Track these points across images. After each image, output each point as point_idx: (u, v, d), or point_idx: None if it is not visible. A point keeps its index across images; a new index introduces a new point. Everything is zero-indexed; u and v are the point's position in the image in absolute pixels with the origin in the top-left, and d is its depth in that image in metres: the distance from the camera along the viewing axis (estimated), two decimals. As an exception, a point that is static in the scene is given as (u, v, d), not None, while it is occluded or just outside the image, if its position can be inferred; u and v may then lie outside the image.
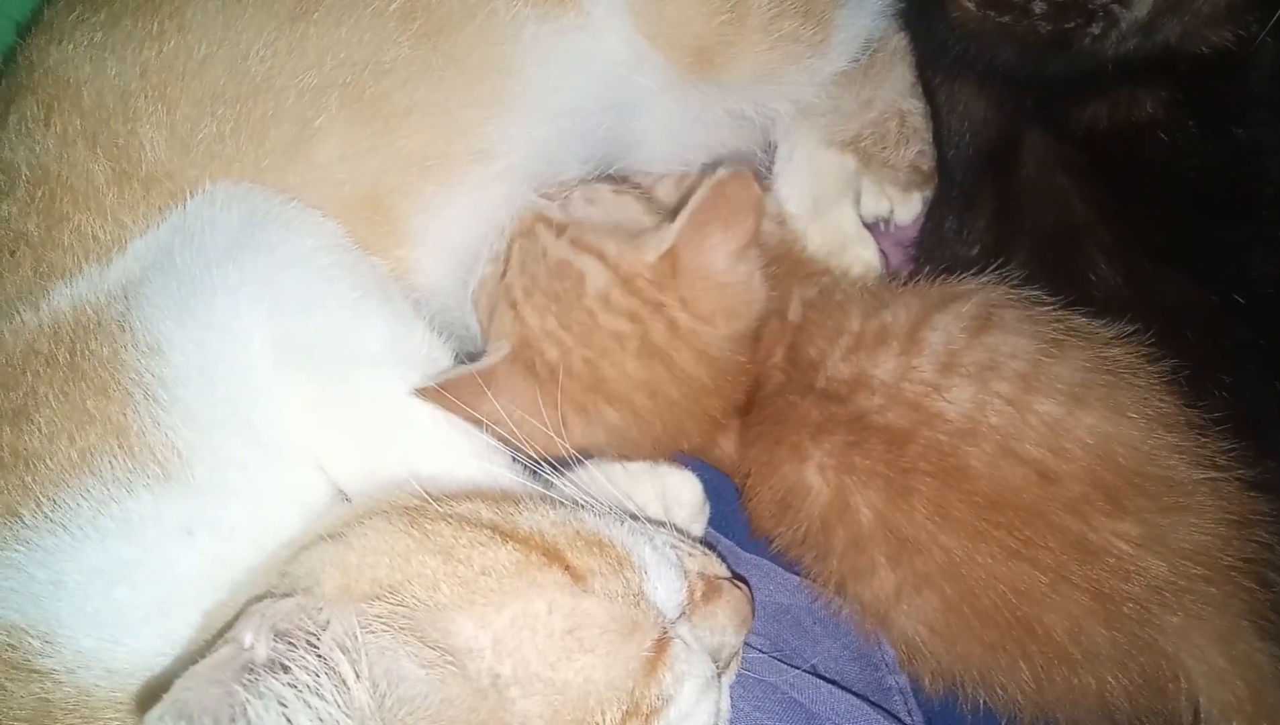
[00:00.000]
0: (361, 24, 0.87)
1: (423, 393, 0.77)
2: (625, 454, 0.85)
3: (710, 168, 0.86)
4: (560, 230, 0.88)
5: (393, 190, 0.89)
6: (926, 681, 0.81)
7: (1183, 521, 0.75)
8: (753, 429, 0.87)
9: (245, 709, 0.50)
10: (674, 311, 0.84)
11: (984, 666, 0.77)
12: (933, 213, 1.08)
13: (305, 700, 0.52)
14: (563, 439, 0.81)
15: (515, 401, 0.80)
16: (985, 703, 0.80)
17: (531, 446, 0.80)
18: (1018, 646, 0.76)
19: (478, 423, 0.79)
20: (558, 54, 0.95)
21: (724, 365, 0.86)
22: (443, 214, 0.91)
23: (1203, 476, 0.77)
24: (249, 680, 0.52)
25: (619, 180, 0.99)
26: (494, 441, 0.80)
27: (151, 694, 0.53)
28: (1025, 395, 0.78)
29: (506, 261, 0.90)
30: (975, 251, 1.00)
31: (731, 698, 0.73)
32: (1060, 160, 0.96)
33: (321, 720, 0.52)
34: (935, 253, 1.03)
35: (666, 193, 1.03)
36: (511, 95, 0.93)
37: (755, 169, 1.06)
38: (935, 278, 0.92)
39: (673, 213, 0.88)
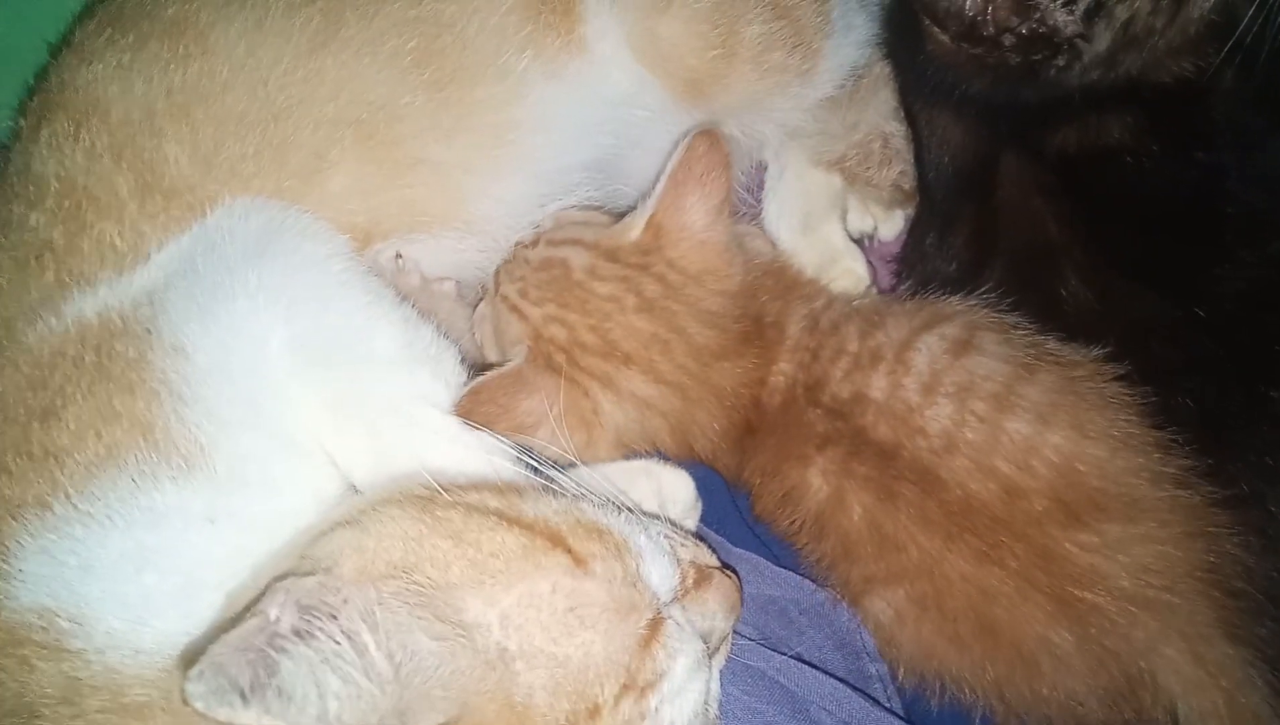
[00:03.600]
0: (378, 62, 0.92)
1: (460, 403, 0.80)
2: (657, 445, 0.89)
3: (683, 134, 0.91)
4: (534, 243, 0.94)
5: (389, 232, 0.94)
6: (900, 673, 0.85)
7: (1143, 536, 0.79)
8: (761, 441, 0.91)
9: (278, 669, 0.54)
10: (661, 270, 0.88)
11: (950, 664, 0.82)
12: (914, 230, 1.13)
13: (331, 665, 0.56)
14: (598, 430, 0.84)
15: (547, 397, 0.84)
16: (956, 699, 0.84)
17: (570, 447, 0.83)
18: (982, 647, 0.80)
19: (516, 430, 0.81)
20: (559, 116, 1.00)
21: (724, 326, 0.89)
22: (423, 259, 0.97)
23: (1164, 494, 0.81)
24: (279, 646, 0.56)
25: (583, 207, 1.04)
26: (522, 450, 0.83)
27: (189, 658, 0.57)
28: (998, 414, 0.82)
29: (495, 284, 0.94)
30: (954, 267, 1.05)
31: (721, 682, 0.77)
32: (1034, 182, 1.01)
33: (346, 683, 0.57)
34: (916, 268, 1.08)
35: None
36: (510, 164, 0.99)
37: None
38: (919, 293, 0.98)
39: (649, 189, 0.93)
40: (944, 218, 1.08)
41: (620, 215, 0.99)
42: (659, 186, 0.89)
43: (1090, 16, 0.92)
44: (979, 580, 0.80)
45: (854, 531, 0.84)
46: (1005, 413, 0.83)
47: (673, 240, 0.88)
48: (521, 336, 0.89)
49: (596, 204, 1.04)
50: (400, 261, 0.96)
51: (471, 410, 0.81)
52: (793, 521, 0.88)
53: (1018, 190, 1.02)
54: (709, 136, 0.87)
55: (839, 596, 0.87)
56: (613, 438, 0.89)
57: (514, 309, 0.91)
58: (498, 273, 0.95)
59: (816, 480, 0.86)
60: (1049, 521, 0.79)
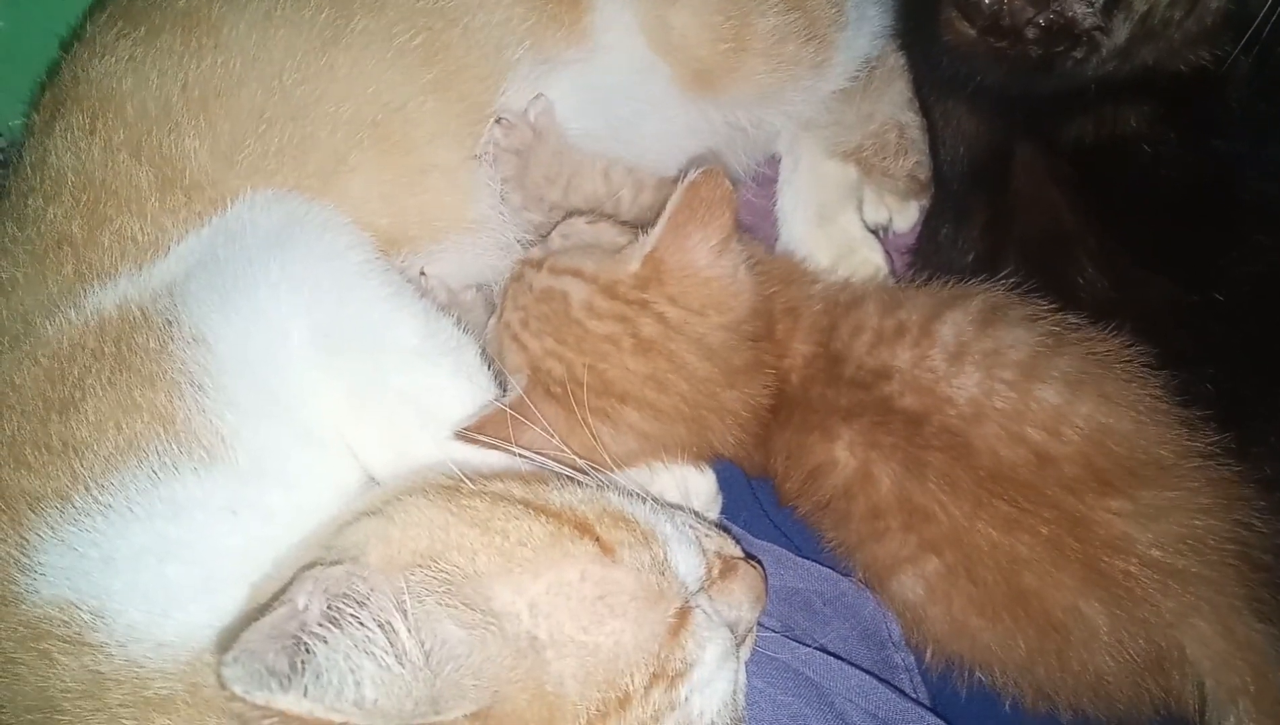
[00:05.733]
0: (387, 59, 0.92)
1: (462, 435, 0.80)
2: (671, 460, 0.88)
3: (684, 170, 0.89)
4: (539, 264, 0.92)
5: (414, 238, 0.95)
6: (928, 653, 0.85)
7: (1172, 506, 0.80)
8: (784, 422, 0.90)
9: (313, 654, 0.54)
10: (661, 307, 0.87)
11: (981, 639, 0.82)
12: (929, 221, 1.13)
13: (365, 651, 0.56)
14: (602, 452, 0.84)
15: (549, 425, 0.84)
16: (984, 683, 0.84)
17: (575, 466, 0.82)
18: (1012, 617, 0.80)
19: (524, 455, 0.81)
20: (561, 110, 1.01)
21: (728, 356, 0.88)
22: (439, 260, 0.98)
23: (1190, 465, 0.82)
24: (312, 632, 0.55)
25: (591, 213, 1.03)
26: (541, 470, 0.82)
27: (223, 645, 0.57)
28: (1026, 382, 0.83)
29: (501, 306, 0.94)
30: (969, 258, 1.05)
31: (746, 673, 0.76)
32: (1049, 172, 1.01)
33: (381, 668, 0.56)
34: (931, 259, 1.08)
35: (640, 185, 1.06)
36: None
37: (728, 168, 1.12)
38: (937, 283, 0.97)
39: (651, 222, 0.91)
40: (959, 209, 1.08)
41: (628, 224, 0.98)
42: (659, 225, 0.87)
43: (1109, 9, 0.92)
44: (1009, 547, 0.80)
45: (882, 503, 0.84)
46: (1034, 381, 0.83)
47: (675, 277, 0.87)
48: (522, 366, 0.89)
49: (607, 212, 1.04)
50: (424, 279, 0.98)
51: (475, 441, 0.81)
52: (819, 500, 0.87)
53: (1033, 180, 1.02)
54: (711, 176, 0.86)
55: (864, 581, 0.87)
56: (618, 461, 0.88)
57: (515, 338, 0.90)
58: (504, 293, 0.95)
59: (843, 454, 0.86)
60: (1081, 487, 0.80)
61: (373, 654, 0.56)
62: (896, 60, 1.13)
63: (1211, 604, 0.78)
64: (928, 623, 0.84)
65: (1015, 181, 1.03)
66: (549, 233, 0.98)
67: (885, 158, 1.12)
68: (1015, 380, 0.83)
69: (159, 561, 0.72)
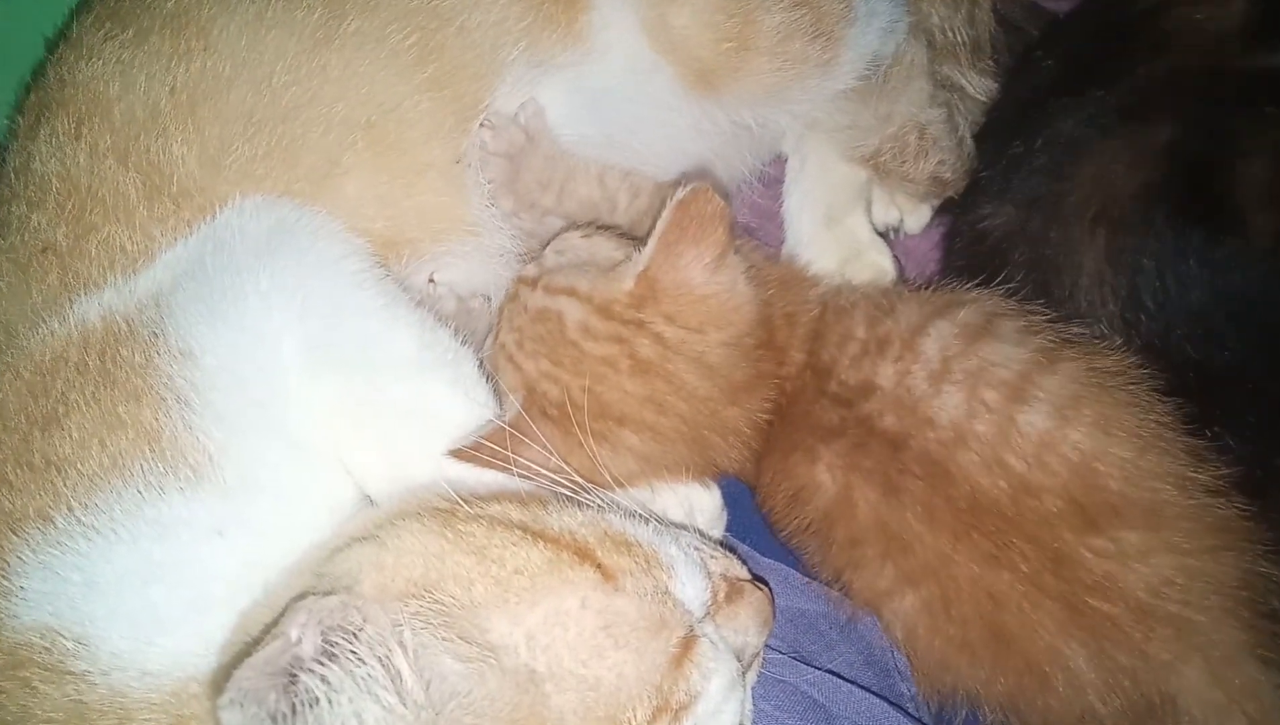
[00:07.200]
0: (380, 59, 0.89)
1: (460, 454, 0.78)
2: (673, 479, 0.86)
3: (676, 184, 0.86)
4: (534, 283, 0.90)
5: (413, 241, 0.92)
6: (916, 680, 0.82)
7: (1164, 545, 0.75)
8: (773, 437, 0.87)
9: (313, 694, 0.53)
10: (659, 327, 0.84)
11: (963, 676, 0.78)
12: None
13: (367, 689, 0.54)
14: (602, 472, 0.82)
15: (547, 446, 0.81)
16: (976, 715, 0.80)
17: (576, 485, 0.80)
18: (992, 656, 0.77)
19: (523, 474, 0.79)
20: (550, 109, 0.98)
21: (729, 373, 0.86)
22: (446, 267, 0.96)
23: (1192, 502, 0.77)
24: (309, 669, 0.53)
25: (586, 226, 1.00)
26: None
27: (217, 683, 0.55)
28: (1012, 406, 0.78)
29: (497, 327, 0.92)
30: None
31: (752, 698, 0.74)
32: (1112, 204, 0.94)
33: (384, 708, 0.54)
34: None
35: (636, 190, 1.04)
36: None
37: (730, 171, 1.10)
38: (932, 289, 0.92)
39: (648, 229, 0.88)
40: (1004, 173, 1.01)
41: (626, 235, 0.96)
42: (650, 243, 0.84)
43: None
44: (989, 584, 0.76)
45: (859, 532, 0.80)
46: (1018, 404, 0.78)
47: (670, 296, 0.84)
48: (518, 386, 0.87)
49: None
50: (433, 287, 0.95)
51: (474, 459, 0.79)
52: (801, 523, 0.84)
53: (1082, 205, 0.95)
54: (701, 194, 0.82)
55: (856, 606, 0.83)
56: (618, 481, 0.85)
57: (510, 359, 0.88)
58: (500, 313, 0.93)
59: (824, 477, 0.82)
60: (1062, 524, 0.75)
61: (374, 693, 0.54)
62: (916, 56, 1.09)
63: (1202, 651, 0.73)
64: (914, 656, 0.81)
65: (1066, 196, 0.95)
66: (545, 244, 0.96)
67: (905, 162, 1.08)
68: (999, 403, 0.78)
69: (144, 586, 0.69)
